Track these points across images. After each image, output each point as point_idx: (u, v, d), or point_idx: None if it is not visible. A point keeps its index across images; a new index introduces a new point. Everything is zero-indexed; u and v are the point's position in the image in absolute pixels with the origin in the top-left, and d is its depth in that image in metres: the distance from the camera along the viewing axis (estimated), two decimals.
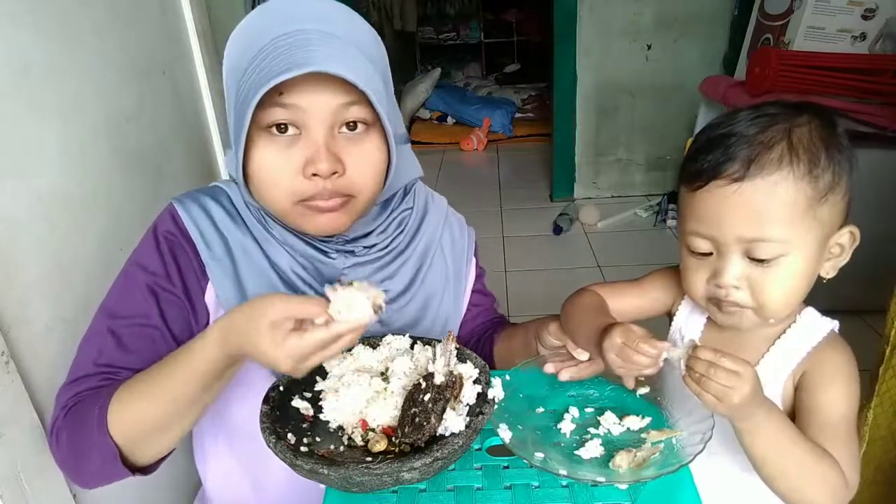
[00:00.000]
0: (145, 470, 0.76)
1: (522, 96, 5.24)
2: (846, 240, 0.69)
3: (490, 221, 3.34)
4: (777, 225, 0.64)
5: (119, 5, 1.26)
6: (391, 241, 0.86)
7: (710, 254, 0.69)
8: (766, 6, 2.48)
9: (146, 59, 1.37)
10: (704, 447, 0.60)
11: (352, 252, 0.83)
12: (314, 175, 0.70)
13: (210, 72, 1.64)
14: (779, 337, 0.74)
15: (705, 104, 2.76)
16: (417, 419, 0.61)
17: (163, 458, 0.77)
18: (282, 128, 0.71)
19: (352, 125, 0.73)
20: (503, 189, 3.84)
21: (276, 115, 0.70)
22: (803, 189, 0.64)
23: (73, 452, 0.72)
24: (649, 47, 3.19)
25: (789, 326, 0.74)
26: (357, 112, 0.72)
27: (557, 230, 3.19)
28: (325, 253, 0.81)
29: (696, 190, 0.68)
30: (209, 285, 0.79)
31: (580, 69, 3.25)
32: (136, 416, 0.69)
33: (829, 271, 0.70)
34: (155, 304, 0.77)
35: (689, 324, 0.81)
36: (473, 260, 0.98)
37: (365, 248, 0.84)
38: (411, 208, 0.90)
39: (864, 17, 2.20)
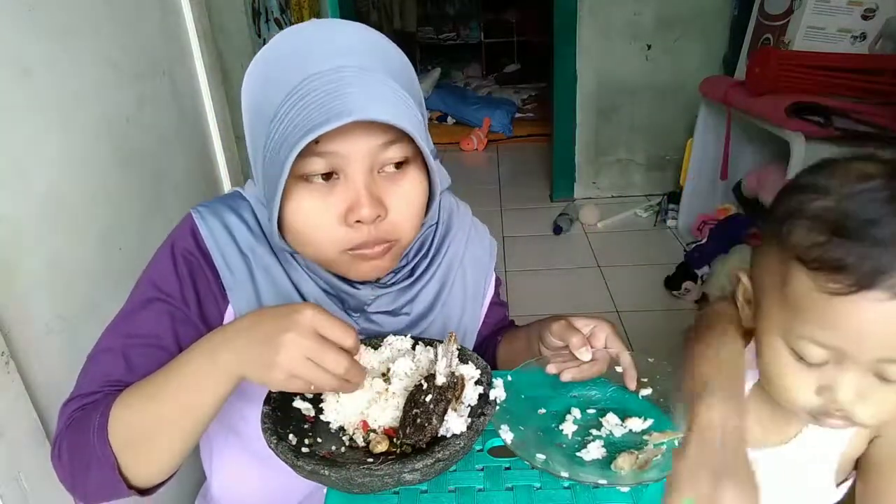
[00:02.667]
0: (144, 491, 0.70)
1: (522, 96, 5.24)
2: None
3: (490, 221, 3.30)
4: None
5: (119, 5, 1.26)
6: (414, 265, 0.84)
7: (824, 363, 0.59)
8: (766, 6, 2.49)
9: (146, 59, 1.36)
10: None
11: (377, 279, 0.80)
12: (357, 222, 0.67)
13: (210, 72, 1.64)
14: None
15: (705, 104, 2.76)
16: (419, 420, 0.61)
17: (163, 483, 0.72)
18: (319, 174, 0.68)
19: (391, 163, 0.70)
20: (503, 189, 3.84)
21: (314, 165, 0.66)
22: None
23: (73, 464, 0.68)
24: (649, 47, 3.19)
25: None
26: (396, 151, 0.68)
27: (557, 230, 3.19)
28: (350, 283, 0.78)
29: (832, 293, 0.55)
30: (229, 307, 0.77)
31: (580, 69, 3.25)
32: (130, 420, 0.66)
33: None
34: (169, 326, 0.74)
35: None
36: (493, 274, 0.96)
37: (391, 273, 0.81)
38: (435, 224, 0.86)
39: (864, 17, 2.20)
